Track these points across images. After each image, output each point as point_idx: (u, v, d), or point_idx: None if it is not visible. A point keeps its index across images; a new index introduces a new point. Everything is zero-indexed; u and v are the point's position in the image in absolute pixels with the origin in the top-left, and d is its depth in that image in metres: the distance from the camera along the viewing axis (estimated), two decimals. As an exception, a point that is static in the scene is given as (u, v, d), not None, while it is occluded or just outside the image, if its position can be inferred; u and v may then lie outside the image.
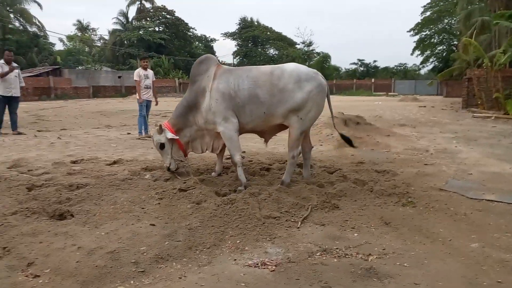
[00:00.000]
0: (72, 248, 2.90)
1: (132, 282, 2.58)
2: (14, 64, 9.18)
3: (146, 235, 3.16)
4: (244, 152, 6.79)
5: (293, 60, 49.81)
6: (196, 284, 2.57)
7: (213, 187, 4.45)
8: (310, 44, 55.48)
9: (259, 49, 57.48)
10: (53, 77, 35.29)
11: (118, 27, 53.73)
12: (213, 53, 59.16)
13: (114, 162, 5.54)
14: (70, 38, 53.45)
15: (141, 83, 8.68)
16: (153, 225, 3.35)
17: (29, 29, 43.49)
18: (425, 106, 20.83)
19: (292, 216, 3.75)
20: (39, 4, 42.17)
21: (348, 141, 5.32)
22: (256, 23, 58.26)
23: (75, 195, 3.95)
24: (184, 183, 4.39)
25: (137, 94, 8.76)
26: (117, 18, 54.03)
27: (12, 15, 41.90)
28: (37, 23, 43.67)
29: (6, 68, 8.89)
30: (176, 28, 53.15)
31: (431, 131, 10.23)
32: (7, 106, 9.15)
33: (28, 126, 10.88)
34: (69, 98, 33.23)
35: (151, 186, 4.40)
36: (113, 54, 51.46)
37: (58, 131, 9.69)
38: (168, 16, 53.28)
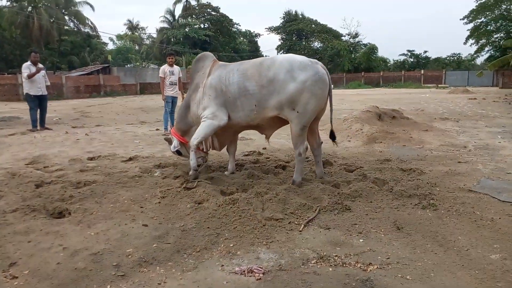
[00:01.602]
0: (57, 249, 2.84)
1: (108, 287, 2.47)
2: (40, 65, 9.49)
3: (135, 236, 3.06)
4: (264, 148, 6.58)
5: (338, 53, 48.66)
6: (174, 292, 2.42)
7: (221, 185, 4.29)
8: (356, 35, 53.79)
9: (303, 42, 56.62)
10: (103, 75, 36.78)
11: (165, 25, 55.07)
12: (257, 48, 59.23)
13: (130, 159, 5.54)
14: (119, 37, 55.68)
15: (166, 80, 8.69)
16: (146, 225, 3.25)
17: (83, 30, 45.65)
18: (475, 99, 19.43)
19: (297, 218, 3.50)
20: (91, 6, 44.14)
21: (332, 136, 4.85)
22: (300, 16, 57.43)
23: (79, 192, 3.94)
24: (190, 182, 4.26)
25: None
26: (164, 16, 55.38)
27: (67, 17, 44.14)
28: (90, 24, 45.76)
29: (34, 69, 9.20)
30: (221, 24, 53.59)
31: (475, 126, 9.44)
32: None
33: (68, 123, 11.30)
34: (117, 95, 34.50)
35: (158, 184, 4.31)
36: (160, 52, 52.87)
37: (92, 127, 9.97)
38: (213, 12, 53.83)
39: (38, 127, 9.33)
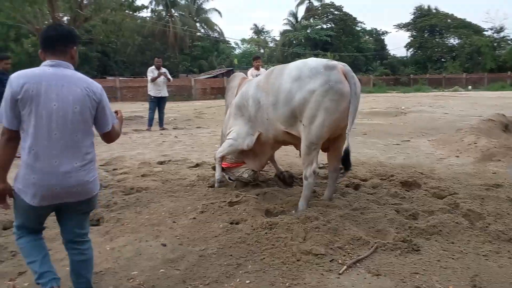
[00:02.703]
0: (66, 262, 2.71)
1: (93, 314, 2.23)
2: (162, 70, 10.18)
3: (147, 257, 2.79)
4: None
5: (478, 50, 43.01)
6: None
7: (271, 203, 3.80)
8: (501, 29, 46.85)
9: (437, 39, 51.66)
10: (227, 78, 38.90)
11: (288, 27, 55.96)
12: (383, 46, 56.05)
13: (196, 165, 5.41)
14: (244, 41, 58.46)
15: None
16: (164, 245, 2.96)
17: (211, 35, 49.10)
18: None
19: (343, 256, 2.85)
20: (219, 12, 47.32)
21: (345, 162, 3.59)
22: (434, 11, 52.53)
23: (124, 200, 3.88)
24: (237, 196, 3.87)
25: None
26: (287, 19, 56.26)
27: (198, 24, 47.97)
28: (218, 29, 49.00)
29: (156, 73, 9.93)
30: (344, 23, 52.19)
31: None
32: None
33: (179, 124, 11.94)
34: (238, 98, 36.02)
35: (206, 195, 4.03)
36: (282, 54, 53.88)
37: (192, 129, 10.33)
38: (336, 12, 52.77)
39: (151, 128, 10.05)
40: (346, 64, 3.55)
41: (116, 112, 2.43)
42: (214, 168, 4.57)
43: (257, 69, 8.65)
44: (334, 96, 3.35)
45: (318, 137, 3.46)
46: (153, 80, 9.89)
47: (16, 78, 1.98)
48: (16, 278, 2.58)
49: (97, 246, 2.95)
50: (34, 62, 14.56)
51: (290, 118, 3.57)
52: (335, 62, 3.54)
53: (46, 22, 13.06)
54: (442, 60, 50.43)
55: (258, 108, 3.88)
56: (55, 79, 2.02)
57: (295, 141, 3.88)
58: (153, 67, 10.14)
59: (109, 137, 2.32)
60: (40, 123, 1.98)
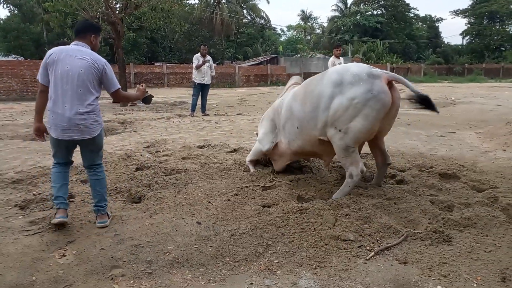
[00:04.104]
0: (110, 234, 2.97)
1: (131, 282, 2.45)
2: (207, 57, 10.41)
3: (183, 233, 2.97)
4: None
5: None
6: (183, 303, 2.23)
7: (303, 189, 3.88)
8: None
9: (497, 27, 48.52)
10: (271, 65, 38.78)
11: (336, 14, 54.71)
12: (437, 34, 53.46)
13: (234, 150, 5.55)
14: (290, 28, 57.85)
15: None
16: (199, 223, 3.13)
17: (257, 22, 48.98)
18: None
19: (372, 243, 2.89)
20: (266, -1, 47.01)
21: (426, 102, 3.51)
22: (495, -4, 49.25)
23: (165, 180, 4.10)
24: (271, 181, 3.98)
25: None
26: (336, 5, 54.96)
27: (245, 11, 47.99)
28: (264, 16, 48.76)
29: (201, 61, 10.18)
30: (396, 9, 50.26)
31: None
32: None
33: (220, 110, 12.20)
34: (282, 85, 35.96)
35: (241, 179, 4.17)
36: (329, 41, 52.80)
37: (233, 115, 10.53)
38: (387, -3, 50.85)
39: (194, 113, 10.38)
40: (390, 72, 3.49)
41: (141, 84, 3.44)
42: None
43: (338, 57, 8.68)
44: (376, 105, 3.31)
45: (354, 142, 3.46)
46: (198, 67, 10.16)
47: (49, 51, 2.99)
48: (65, 246, 2.85)
49: (138, 222, 3.19)
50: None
51: (326, 124, 3.52)
52: (379, 71, 3.45)
53: (99, 9, 13.68)
54: (501, 48, 47.40)
55: (289, 117, 3.92)
56: (71, 52, 2.95)
57: (321, 152, 3.90)
58: (199, 54, 10.40)
59: (115, 97, 3.18)
60: (57, 79, 2.90)
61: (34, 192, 3.86)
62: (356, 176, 3.55)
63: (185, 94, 19.67)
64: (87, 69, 2.92)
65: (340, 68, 3.61)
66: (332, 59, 8.76)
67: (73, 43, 3.06)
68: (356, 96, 3.32)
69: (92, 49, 3.08)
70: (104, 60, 3.06)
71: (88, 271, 2.53)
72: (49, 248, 2.80)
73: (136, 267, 2.58)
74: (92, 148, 3.09)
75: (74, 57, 2.92)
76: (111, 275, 2.49)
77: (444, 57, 46.56)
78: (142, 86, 3.41)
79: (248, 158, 4.60)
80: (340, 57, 8.86)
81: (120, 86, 3.14)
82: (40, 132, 3.12)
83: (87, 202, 3.55)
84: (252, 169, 4.48)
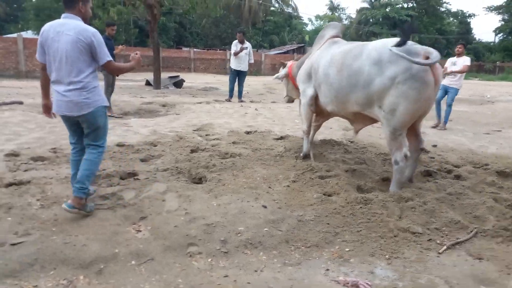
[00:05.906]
0: (181, 212, 3.03)
1: (209, 260, 2.50)
2: (246, 44, 10.39)
3: (251, 216, 3.01)
4: (435, 146, 5.66)
5: None
6: (265, 283, 2.27)
7: (361, 180, 3.86)
8: None
9: (533, 25, 46.80)
10: (297, 54, 38.38)
11: (365, 5, 53.66)
12: (469, 30, 51.93)
13: (281, 138, 5.55)
14: (318, 17, 57.13)
15: None
16: (265, 207, 3.16)
17: (285, 10, 48.42)
18: None
19: (441, 237, 2.87)
20: (295, -13, 46.35)
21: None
22: (532, -8, 47.40)
23: (222, 163, 4.14)
24: (328, 171, 3.97)
25: None
26: (366, -4, 53.87)
27: (273, -1, 47.48)
28: (292, 4, 48.15)
29: (239, 47, 10.18)
30: (427, 3, 48.95)
31: None
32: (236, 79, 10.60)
33: (251, 97, 12.19)
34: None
35: (295, 167, 4.17)
36: (357, 33, 51.94)
37: (268, 103, 10.51)
38: (419, -10, 49.53)
39: (231, 99, 10.42)
40: (430, 48, 3.26)
41: (136, 53, 3.18)
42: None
43: None
44: (417, 84, 3.15)
45: (401, 125, 3.35)
46: (235, 54, 10.18)
47: (42, 28, 2.90)
48: (139, 222, 2.92)
49: (205, 201, 3.24)
50: (117, 29, 15.54)
51: (367, 101, 3.44)
52: (418, 47, 3.25)
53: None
54: (537, 48, 45.77)
55: (326, 81, 3.85)
56: (58, 28, 2.83)
57: (354, 119, 3.96)
58: (236, 41, 10.41)
59: (107, 68, 2.99)
60: (49, 57, 2.87)
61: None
62: (401, 161, 3.44)
63: (212, 80, 19.70)
64: (72, 44, 2.79)
65: (379, 43, 3.43)
66: None
67: (62, 15, 2.91)
68: (395, 75, 3.18)
69: (83, 18, 2.92)
70: (93, 31, 2.87)
71: (166, 247, 2.59)
72: (124, 223, 2.88)
73: (212, 246, 2.63)
74: (87, 126, 2.98)
75: (61, 33, 2.80)
76: (188, 252, 2.55)
77: (474, 54, 45.25)
78: (137, 54, 3.15)
79: (303, 127, 4.51)
80: None
81: (111, 58, 2.96)
82: (47, 109, 3.10)
83: (151, 180, 3.63)
84: (306, 142, 4.50)
